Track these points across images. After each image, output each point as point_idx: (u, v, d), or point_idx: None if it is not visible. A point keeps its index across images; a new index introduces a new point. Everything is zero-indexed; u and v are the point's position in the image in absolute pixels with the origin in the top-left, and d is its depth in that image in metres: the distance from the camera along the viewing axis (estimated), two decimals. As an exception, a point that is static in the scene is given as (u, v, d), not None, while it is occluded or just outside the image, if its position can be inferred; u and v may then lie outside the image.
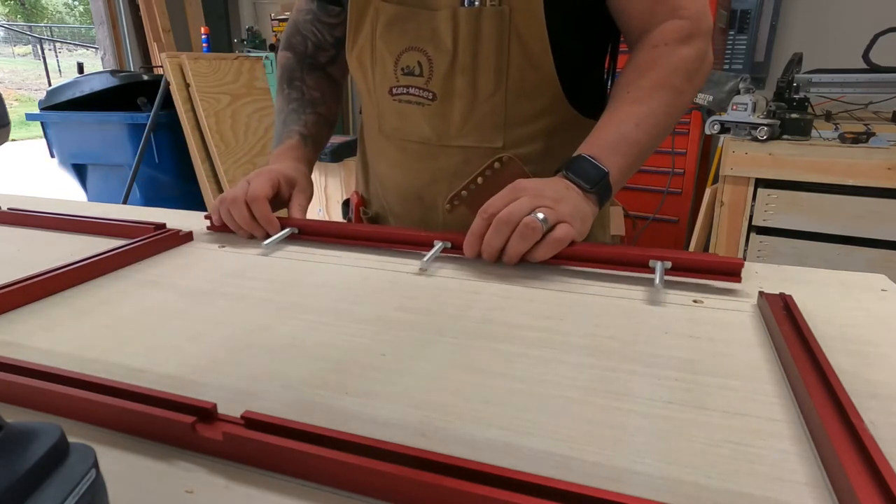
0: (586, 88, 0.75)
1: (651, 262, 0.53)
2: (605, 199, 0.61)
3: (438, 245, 0.60)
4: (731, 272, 0.52)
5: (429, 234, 0.62)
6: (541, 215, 0.54)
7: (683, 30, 0.64)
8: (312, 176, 0.81)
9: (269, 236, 0.66)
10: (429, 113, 0.72)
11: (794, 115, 1.64)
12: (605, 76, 0.80)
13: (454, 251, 0.61)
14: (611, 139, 0.62)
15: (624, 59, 0.70)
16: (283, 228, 0.67)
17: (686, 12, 0.64)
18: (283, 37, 0.87)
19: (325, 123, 0.86)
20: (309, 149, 0.82)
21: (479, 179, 0.73)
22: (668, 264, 0.53)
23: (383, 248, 0.64)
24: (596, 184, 0.59)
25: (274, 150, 0.81)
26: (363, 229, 0.66)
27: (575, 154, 0.62)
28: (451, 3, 0.66)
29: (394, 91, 0.73)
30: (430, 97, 0.71)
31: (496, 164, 0.72)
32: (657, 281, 0.50)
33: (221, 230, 0.70)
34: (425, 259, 0.58)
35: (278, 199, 0.73)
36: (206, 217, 0.72)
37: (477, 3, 0.65)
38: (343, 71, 0.89)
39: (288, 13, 3.26)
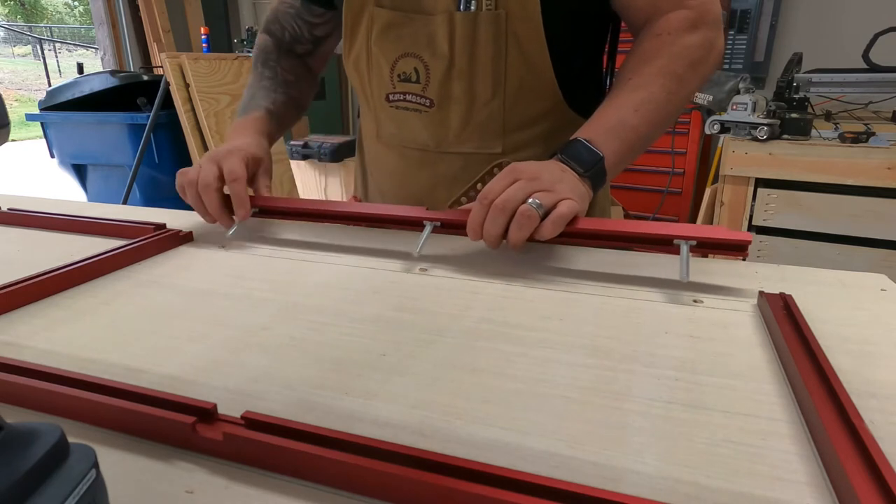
0: (584, 90, 0.74)
1: (676, 241, 0.52)
2: (600, 184, 0.60)
3: (428, 226, 0.59)
4: (739, 247, 0.51)
5: (421, 212, 0.60)
6: (536, 201, 0.53)
7: (688, 19, 0.63)
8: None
9: (232, 224, 0.65)
10: (427, 119, 0.71)
11: (794, 115, 1.64)
12: (604, 76, 0.79)
13: (444, 230, 0.60)
14: (608, 124, 0.61)
15: (622, 58, 0.70)
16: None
17: (692, 2, 0.63)
18: (263, 21, 0.87)
19: (294, 106, 0.85)
20: (273, 125, 0.80)
21: (479, 185, 0.73)
22: (694, 242, 0.52)
23: (378, 227, 0.64)
24: (590, 168, 0.58)
25: (238, 119, 0.79)
26: (347, 208, 0.65)
27: (571, 138, 0.61)
28: (446, 7, 0.65)
29: (391, 98, 0.73)
30: (428, 104, 0.70)
31: (496, 170, 0.72)
32: (683, 266, 0.50)
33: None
34: (418, 248, 0.57)
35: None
36: None
37: (473, 7, 0.64)
38: (320, 64, 0.89)
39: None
